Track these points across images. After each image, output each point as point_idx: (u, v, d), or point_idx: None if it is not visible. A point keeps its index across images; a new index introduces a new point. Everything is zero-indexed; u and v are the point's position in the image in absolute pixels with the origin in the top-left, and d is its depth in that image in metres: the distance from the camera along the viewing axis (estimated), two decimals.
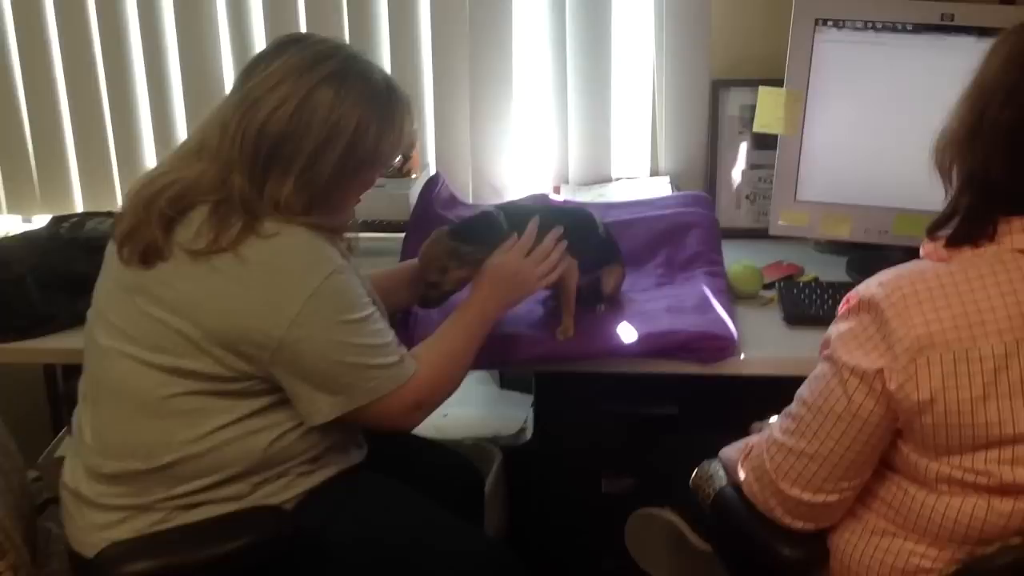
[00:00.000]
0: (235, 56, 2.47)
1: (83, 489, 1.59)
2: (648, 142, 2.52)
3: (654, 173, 2.53)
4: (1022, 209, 1.32)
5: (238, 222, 1.50)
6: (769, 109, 2.12)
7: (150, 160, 2.57)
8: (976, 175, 1.33)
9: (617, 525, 1.91)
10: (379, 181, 2.25)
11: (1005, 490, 1.33)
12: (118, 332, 1.56)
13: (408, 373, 1.59)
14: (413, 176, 2.39)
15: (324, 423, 1.57)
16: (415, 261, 1.87)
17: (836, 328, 1.40)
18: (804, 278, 2.17)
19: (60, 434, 2.35)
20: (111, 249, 1.61)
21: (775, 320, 2.01)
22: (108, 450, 1.58)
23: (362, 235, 1.76)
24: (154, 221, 1.52)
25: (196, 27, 2.46)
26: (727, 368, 1.86)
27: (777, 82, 2.11)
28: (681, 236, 2.18)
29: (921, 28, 2.00)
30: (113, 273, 1.60)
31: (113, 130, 2.56)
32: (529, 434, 2.41)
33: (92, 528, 1.58)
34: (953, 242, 1.35)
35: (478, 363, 1.80)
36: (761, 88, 2.14)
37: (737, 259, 2.14)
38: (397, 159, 2.18)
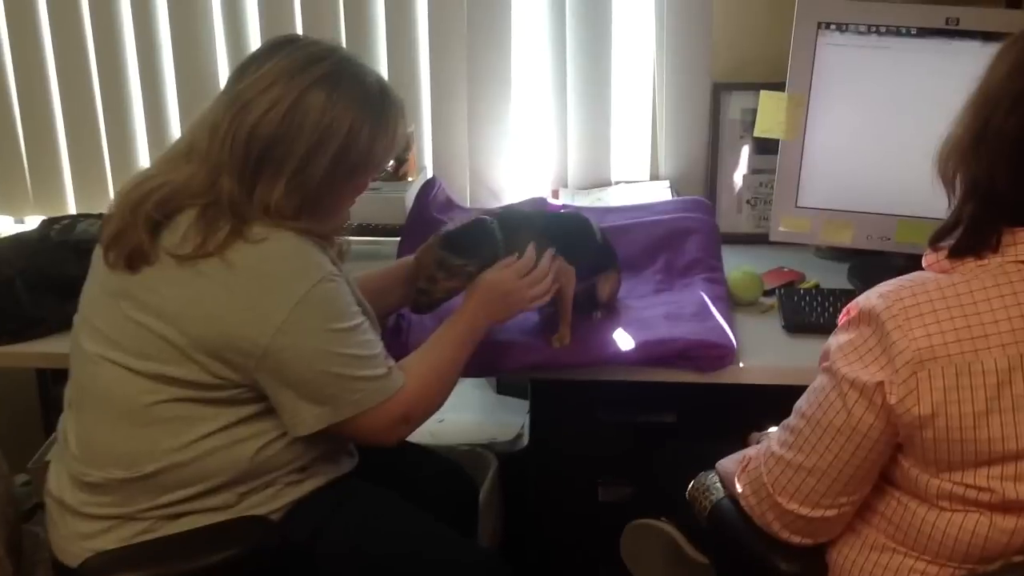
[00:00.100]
0: (230, 57, 2.46)
1: (67, 498, 1.58)
2: (648, 145, 2.51)
3: (654, 177, 2.52)
4: None
5: (226, 226, 1.48)
6: (770, 113, 2.10)
7: (143, 162, 2.56)
8: (980, 184, 1.31)
9: (614, 535, 1.89)
10: (375, 184, 2.28)
11: (1008, 507, 1.31)
12: (103, 338, 1.55)
13: (395, 386, 1.57)
14: (409, 179, 2.37)
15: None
16: (411, 258, 1.86)
17: (836, 339, 1.38)
18: (805, 285, 2.15)
19: (51, 437, 2.32)
20: (98, 253, 1.59)
21: (775, 328, 1.99)
22: (92, 458, 1.56)
23: (357, 239, 1.75)
24: (140, 224, 1.50)
25: (191, 27, 2.45)
26: (726, 376, 1.85)
27: (779, 86, 2.09)
28: (680, 242, 2.17)
29: (925, 32, 1.98)
30: (99, 277, 1.58)
31: (106, 131, 2.55)
32: (526, 440, 2.39)
33: (76, 537, 1.56)
34: (956, 253, 1.33)
35: (472, 371, 1.79)
36: (762, 92, 2.12)
37: (737, 265, 2.13)
38: (390, 163, 2.16)
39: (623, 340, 1.86)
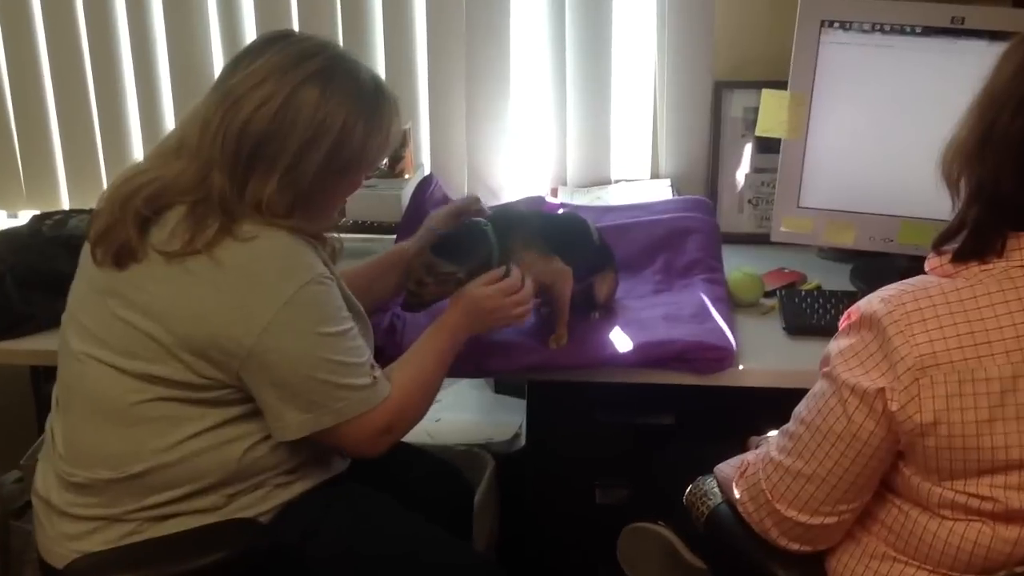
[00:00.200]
0: (225, 53, 2.44)
1: (53, 498, 1.56)
2: (648, 144, 2.49)
3: (654, 175, 2.51)
4: None
5: (214, 223, 1.46)
6: (772, 112, 2.08)
7: (137, 156, 2.55)
8: (985, 187, 1.29)
9: (611, 537, 1.88)
10: (371, 181, 2.26)
11: (1011, 517, 1.30)
12: (90, 336, 1.53)
13: (380, 396, 1.54)
14: (406, 176, 2.36)
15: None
16: (406, 244, 1.85)
17: (836, 344, 1.37)
18: (806, 286, 2.13)
19: (44, 434, 2.31)
20: (86, 249, 1.57)
21: (775, 329, 1.97)
22: (78, 458, 1.54)
23: (352, 236, 1.73)
24: (129, 221, 1.48)
25: (185, 23, 2.43)
26: (725, 379, 1.83)
27: (781, 84, 2.07)
28: (680, 242, 2.15)
29: (931, 31, 1.95)
30: (87, 274, 1.56)
31: (100, 126, 2.54)
32: (523, 440, 2.38)
33: (62, 538, 1.55)
34: (960, 257, 1.31)
35: (469, 372, 1.77)
36: (764, 91, 2.10)
37: (737, 266, 2.11)
38: (384, 161, 2.13)
39: (621, 341, 1.84)
